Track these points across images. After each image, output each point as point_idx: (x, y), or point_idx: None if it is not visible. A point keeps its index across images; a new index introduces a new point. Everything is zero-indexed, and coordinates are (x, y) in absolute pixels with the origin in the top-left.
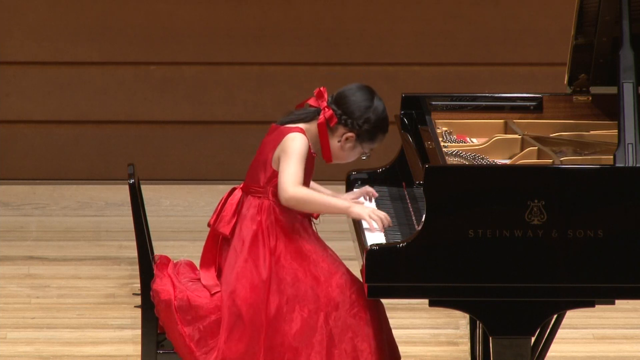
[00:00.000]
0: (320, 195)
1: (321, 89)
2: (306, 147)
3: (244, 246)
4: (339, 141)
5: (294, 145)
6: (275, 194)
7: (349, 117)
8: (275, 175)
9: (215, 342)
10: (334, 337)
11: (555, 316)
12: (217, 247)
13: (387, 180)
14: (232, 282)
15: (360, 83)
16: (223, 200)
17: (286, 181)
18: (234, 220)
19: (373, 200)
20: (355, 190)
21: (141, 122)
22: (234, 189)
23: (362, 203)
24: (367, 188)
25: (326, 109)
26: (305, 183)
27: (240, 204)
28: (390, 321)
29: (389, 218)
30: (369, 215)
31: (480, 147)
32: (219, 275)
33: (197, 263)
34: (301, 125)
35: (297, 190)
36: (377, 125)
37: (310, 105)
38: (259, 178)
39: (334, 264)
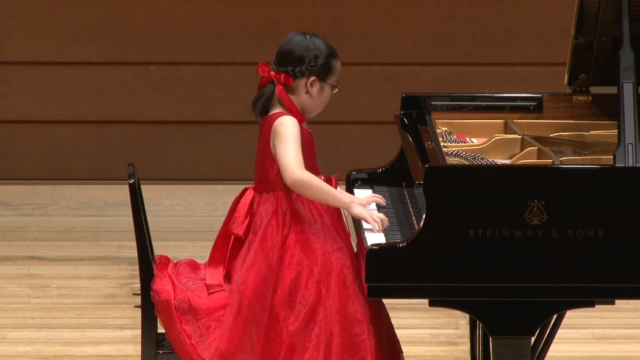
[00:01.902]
0: (327, 184)
1: (260, 63)
2: (297, 127)
3: (255, 237)
4: (306, 92)
5: (285, 129)
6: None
7: (300, 65)
8: None
9: (215, 342)
10: (333, 332)
11: (555, 316)
12: (227, 247)
13: (387, 180)
14: (243, 273)
15: (288, 34)
16: (235, 202)
17: (289, 163)
18: (247, 221)
19: (373, 203)
20: (368, 194)
21: (141, 122)
22: (245, 190)
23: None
24: (381, 198)
25: (277, 76)
26: (311, 161)
27: (252, 204)
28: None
29: (387, 220)
30: (370, 216)
31: (480, 147)
32: (227, 276)
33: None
34: (278, 108)
35: (303, 174)
36: (327, 55)
37: (264, 84)
38: (268, 173)
39: (341, 259)
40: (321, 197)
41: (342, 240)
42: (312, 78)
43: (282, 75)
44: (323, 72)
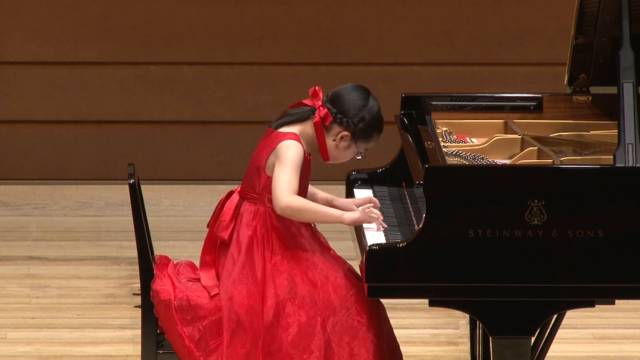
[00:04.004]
0: (316, 204)
1: (316, 88)
2: (301, 155)
3: (240, 252)
4: (333, 140)
5: (288, 154)
6: (272, 200)
7: (344, 115)
8: (269, 181)
9: (215, 343)
10: (331, 342)
11: (555, 316)
12: (215, 249)
13: (387, 180)
14: (229, 288)
15: (355, 83)
16: (221, 204)
17: (281, 191)
18: (232, 225)
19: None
20: (360, 198)
21: (141, 122)
22: (231, 192)
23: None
24: (373, 199)
25: (321, 108)
26: (303, 187)
27: (238, 208)
28: (390, 321)
29: (381, 216)
30: (367, 217)
31: (480, 147)
32: (218, 277)
33: (197, 263)
34: (295, 127)
35: (292, 200)
36: (372, 125)
37: (305, 105)
38: (254, 184)
39: (332, 268)
40: (312, 218)
41: (327, 251)
42: (345, 132)
43: (326, 110)
44: (358, 135)
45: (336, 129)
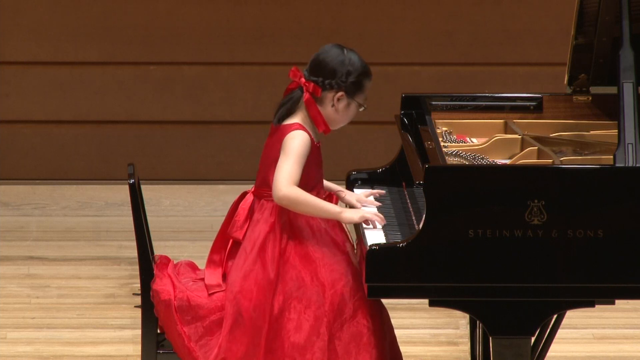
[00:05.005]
0: (315, 198)
1: (293, 68)
2: (306, 145)
3: (254, 247)
4: (332, 106)
5: (293, 144)
6: None
7: (332, 78)
8: None
9: (215, 342)
10: (335, 344)
11: (555, 316)
12: (225, 249)
13: (387, 180)
14: (238, 281)
15: (323, 45)
16: (234, 205)
17: (280, 180)
18: (246, 225)
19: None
20: (366, 190)
21: (141, 122)
22: (245, 193)
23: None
24: (374, 191)
25: (307, 84)
26: (317, 176)
27: (252, 208)
28: (391, 321)
29: (381, 216)
30: (361, 217)
31: (480, 147)
32: (224, 277)
33: (197, 263)
34: (296, 117)
35: (290, 190)
36: (360, 73)
37: (292, 89)
38: (269, 181)
39: (343, 270)
40: (309, 211)
41: (341, 253)
42: (340, 93)
43: (312, 84)
44: (352, 89)
45: (329, 95)
